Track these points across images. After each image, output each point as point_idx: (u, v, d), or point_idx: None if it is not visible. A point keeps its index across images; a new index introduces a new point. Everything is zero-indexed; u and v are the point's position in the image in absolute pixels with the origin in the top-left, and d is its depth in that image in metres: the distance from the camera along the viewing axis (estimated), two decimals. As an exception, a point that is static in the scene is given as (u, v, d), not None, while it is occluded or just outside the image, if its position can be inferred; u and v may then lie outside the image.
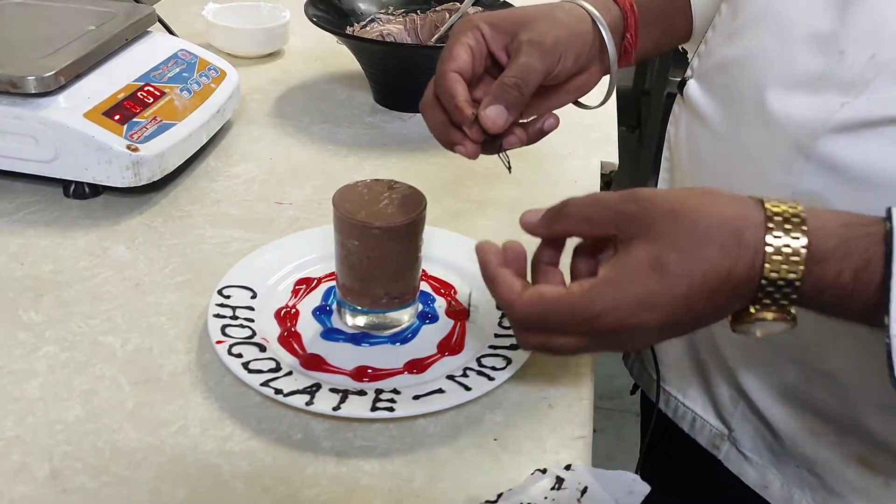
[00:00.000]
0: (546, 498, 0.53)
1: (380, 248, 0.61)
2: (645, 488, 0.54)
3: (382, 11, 1.05)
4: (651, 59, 2.47)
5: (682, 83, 0.67)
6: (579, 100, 0.66)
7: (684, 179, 0.68)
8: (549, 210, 0.52)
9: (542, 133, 0.63)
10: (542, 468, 0.54)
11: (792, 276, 0.44)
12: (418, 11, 1.06)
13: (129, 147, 0.76)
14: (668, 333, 0.49)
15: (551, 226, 0.52)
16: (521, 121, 0.61)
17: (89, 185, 0.79)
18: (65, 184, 0.79)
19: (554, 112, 0.63)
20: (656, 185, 0.74)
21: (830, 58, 0.54)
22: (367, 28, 1.03)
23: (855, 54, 0.53)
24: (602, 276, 0.48)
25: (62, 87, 0.76)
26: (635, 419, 1.85)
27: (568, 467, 0.54)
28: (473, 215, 0.81)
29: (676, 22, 0.72)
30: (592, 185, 0.89)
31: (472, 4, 1.01)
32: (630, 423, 1.85)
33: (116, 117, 0.78)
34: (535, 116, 0.62)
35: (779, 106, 0.57)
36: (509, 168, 0.62)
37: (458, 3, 1.04)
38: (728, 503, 0.73)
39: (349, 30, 1.01)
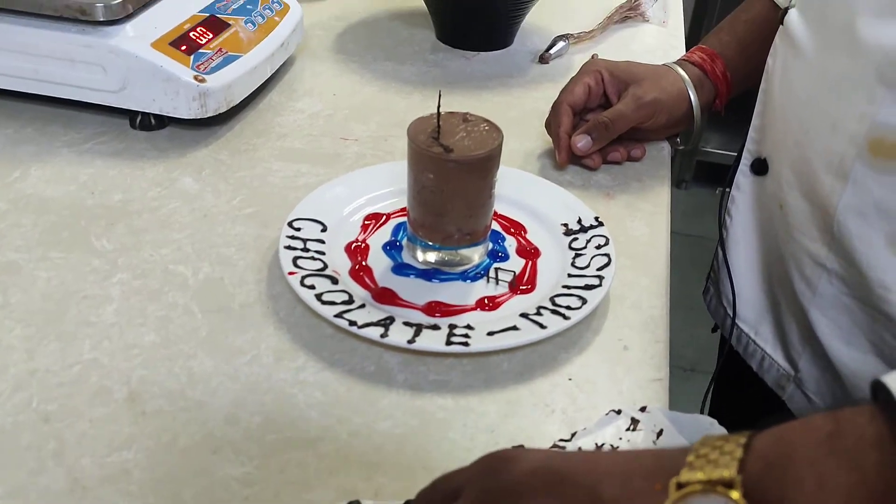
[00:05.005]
0: (621, 439, 0.52)
1: (455, 182, 0.59)
2: (723, 433, 0.53)
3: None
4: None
5: (784, 13, 0.66)
6: (670, 138, 0.83)
7: (774, 110, 0.67)
8: None
9: (630, 158, 0.79)
10: (616, 409, 0.54)
11: None
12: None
13: (196, 78, 0.75)
14: None
15: None
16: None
17: (155, 116, 0.78)
18: (131, 115, 0.79)
19: (643, 145, 0.80)
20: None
21: None
22: (432, -37, 1.01)
23: None
24: None
25: (129, 16, 0.75)
26: (683, 375, 1.84)
27: (643, 409, 0.53)
28: (541, 154, 0.80)
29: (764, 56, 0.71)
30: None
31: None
32: (677, 381, 1.84)
33: (183, 48, 0.77)
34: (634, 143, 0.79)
35: (868, 32, 0.55)
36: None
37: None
38: None
39: (413, -36, 0.99)
